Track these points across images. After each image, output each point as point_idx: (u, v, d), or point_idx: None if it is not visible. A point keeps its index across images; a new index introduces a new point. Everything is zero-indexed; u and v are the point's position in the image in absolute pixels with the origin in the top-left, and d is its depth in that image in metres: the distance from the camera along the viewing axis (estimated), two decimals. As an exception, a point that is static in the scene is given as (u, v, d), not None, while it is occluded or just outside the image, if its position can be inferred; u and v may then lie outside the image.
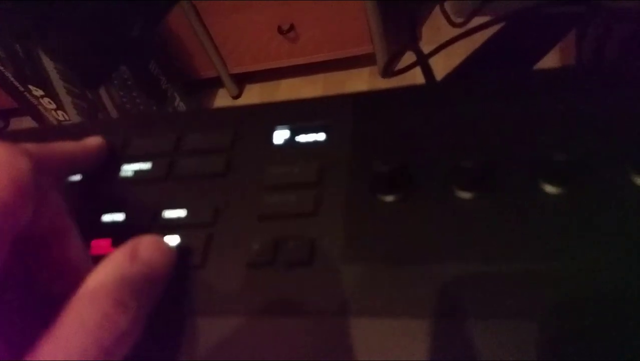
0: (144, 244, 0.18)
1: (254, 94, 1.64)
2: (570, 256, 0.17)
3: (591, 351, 0.16)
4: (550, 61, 0.46)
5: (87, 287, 0.17)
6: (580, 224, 0.17)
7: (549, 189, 0.18)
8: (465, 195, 0.19)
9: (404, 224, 0.20)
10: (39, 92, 1.33)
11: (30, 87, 1.33)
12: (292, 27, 1.39)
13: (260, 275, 0.20)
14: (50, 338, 0.15)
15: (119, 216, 0.23)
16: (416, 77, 0.44)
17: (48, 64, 1.24)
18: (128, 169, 0.25)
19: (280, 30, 1.39)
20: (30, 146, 0.20)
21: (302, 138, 0.24)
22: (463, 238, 0.19)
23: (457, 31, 0.46)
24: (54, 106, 1.36)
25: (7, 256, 0.15)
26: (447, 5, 0.45)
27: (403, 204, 0.20)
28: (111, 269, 0.17)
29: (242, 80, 1.64)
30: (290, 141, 0.24)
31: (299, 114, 0.24)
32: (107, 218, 0.23)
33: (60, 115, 1.38)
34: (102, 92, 1.29)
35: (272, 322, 0.19)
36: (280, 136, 0.24)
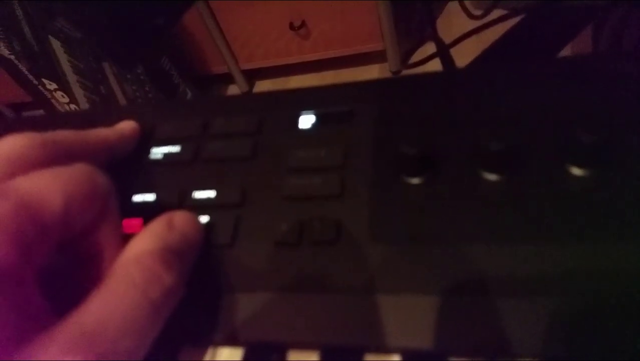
0: (178, 216, 0.19)
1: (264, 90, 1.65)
2: (597, 238, 0.17)
3: (611, 333, 0.16)
4: (566, 54, 0.46)
5: (131, 251, 0.17)
6: (607, 206, 0.18)
7: (576, 171, 0.19)
8: (491, 177, 0.20)
9: (429, 206, 0.20)
10: (53, 86, 1.35)
11: (44, 80, 1.34)
12: (303, 24, 1.39)
13: (288, 254, 0.20)
14: (99, 295, 0.16)
15: (150, 197, 0.23)
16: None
17: (62, 58, 1.25)
18: (157, 152, 0.25)
19: (291, 27, 1.39)
20: (68, 134, 0.21)
21: (327, 123, 0.24)
22: (488, 218, 0.19)
23: (472, 25, 0.47)
24: (67, 99, 1.38)
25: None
26: (465, -1, 0.45)
27: (428, 186, 0.20)
28: (152, 235, 0.18)
29: (252, 76, 1.65)
30: (315, 126, 0.24)
31: (324, 100, 0.25)
32: (137, 198, 0.24)
33: (73, 108, 1.39)
34: (115, 86, 1.30)
35: (300, 299, 0.19)
36: (306, 120, 0.24)
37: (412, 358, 0.18)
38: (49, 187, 0.16)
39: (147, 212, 0.23)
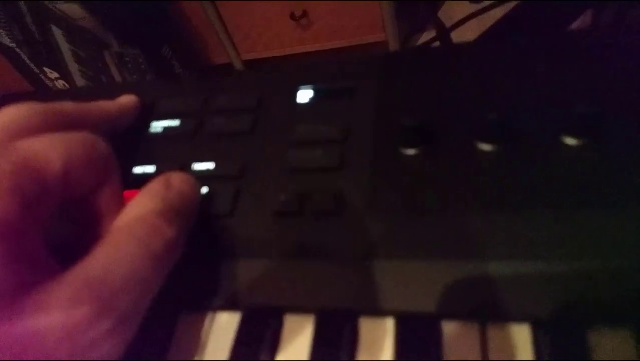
0: (174, 176, 0.20)
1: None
2: (589, 204, 0.18)
3: (601, 296, 0.16)
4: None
5: (132, 209, 0.18)
6: (600, 174, 0.18)
7: (570, 141, 0.19)
8: (487, 147, 0.20)
9: (427, 176, 0.20)
10: (54, 75, 1.35)
11: (45, 69, 1.35)
12: (305, 14, 1.38)
13: (287, 223, 0.21)
14: (103, 248, 0.16)
15: (150, 168, 0.24)
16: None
17: (63, 46, 1.26)
18: (157, 125, 0.25)
19: (293, 17, 1.39)
20: (69, 105, 0.21)
21: (327, 98, 0.24)
22: (483, 187, 0.19)
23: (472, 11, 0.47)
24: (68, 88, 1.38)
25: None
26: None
27: (425, 157, 0.21)
28: (151, 194, 0.18)
29: (253, 66, 1.65)
30: (315, 101, 0.24)
31: (324, 75, 0.25)
32: (138, 170, 0.24)
33: (74, 98, 1.39)
34: (116, 75, 1.30)
35: (298, 265, 0.20)
36: (305, 96, 0.25)
37: (405, 321, 0.18)
38: (48, 149, 0.16)
39: (147, 183, 0.23)
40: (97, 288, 0.15)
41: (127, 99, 0.25)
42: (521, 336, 0.17)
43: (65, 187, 0.17)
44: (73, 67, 1.30)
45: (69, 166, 0.17)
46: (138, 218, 0.17)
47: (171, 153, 0.24)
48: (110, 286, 0.15)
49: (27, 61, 1.36)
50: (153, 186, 0.19)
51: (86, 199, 0.18)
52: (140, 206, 0.18)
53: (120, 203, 0.19)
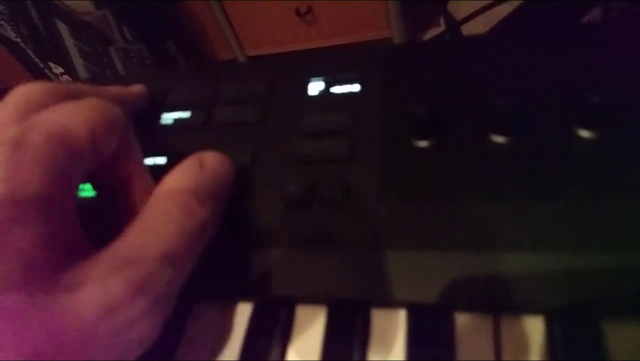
0: (208, 156, 0.20)
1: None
2: (602, 196, 0.18)
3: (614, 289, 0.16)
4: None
5: (165, 187, 0.18)
6: (614, 167, 0.18)
7: (584, 133, 0.19)
8: (499, 139, 0.20)
9: (437, 167, 0.20)
10: (59, 70, 1.35)
11: (51, 64, 1.35)
12: (309, 10, 1.38)
13: (297, 213, 0.21)
14: (137, 227, 0.16)
15: (161, 160, 0.24)
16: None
17: (68, 41, 1.26)
18: (168, 117, 0.25)
19: (298, 13, 1.39)
20: (81, 85, 0.22)
21: (336, 89, 0.24)
22: (495, 179, 0.19)
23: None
24: (73, 83, 1.38)
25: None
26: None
27: (436, 148, 0.21)
28: (184, 172, 0.18)
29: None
30: (324, 92, 0.24)
31: (333, 66, 0.25)
32: (149, 161, 0.24)
33: (79, 93, 1.40)
34: (121, 70, 1.30)
35: (309, 255, 0.20)
36: (315, 87, 0.25)
37: (418, 312, 0.18)
38: (74, 116, 0.16)
39: (159, 175, 0.23)
40: (132, 267, 0.15)
41: (137, 88, 0.26)
42: (535, 327, 0.17)
43: (94, 152, 0.17)
44: (78, 62, 1.31)
45: (95, 131, 0.17)
46: (172, 198, 0.17)
47: (183, 144, 0.24)
48: (145, 266, 0.15)
49: (33, 56, 1.36)
50: (186, 166, 0.19)
51: (112, 163, 0.18)
52: (174, 186, 0.18)
53: (144, 165, 0.19)
